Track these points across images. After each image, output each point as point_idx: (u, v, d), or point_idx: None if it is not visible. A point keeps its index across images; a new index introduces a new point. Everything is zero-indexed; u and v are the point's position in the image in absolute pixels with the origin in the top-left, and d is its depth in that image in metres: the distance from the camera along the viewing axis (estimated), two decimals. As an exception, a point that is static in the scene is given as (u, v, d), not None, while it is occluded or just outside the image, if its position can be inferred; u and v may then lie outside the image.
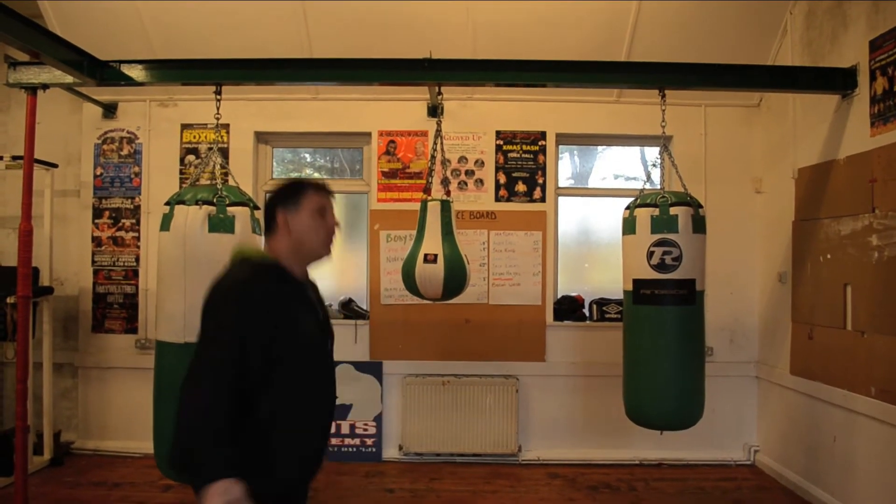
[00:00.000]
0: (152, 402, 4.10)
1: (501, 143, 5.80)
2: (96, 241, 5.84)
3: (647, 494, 5.02)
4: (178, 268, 3.86)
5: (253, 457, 2.01)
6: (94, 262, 5.84)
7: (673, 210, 4.15)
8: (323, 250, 2.20)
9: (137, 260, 5.81)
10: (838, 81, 4.49)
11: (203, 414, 1.92)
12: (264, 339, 1.99)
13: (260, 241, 4.12)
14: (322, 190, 2.25)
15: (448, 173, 5.40)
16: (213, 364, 1.96)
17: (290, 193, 2.20)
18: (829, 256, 4.69)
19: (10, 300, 4.85)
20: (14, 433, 4.50)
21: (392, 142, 5.80)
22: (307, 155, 6.35)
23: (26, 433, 4.55)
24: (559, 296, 5.90)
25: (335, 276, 6.06)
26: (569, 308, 5.83)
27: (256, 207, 4.05)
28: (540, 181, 5.78)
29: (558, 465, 5.60)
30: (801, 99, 5.05)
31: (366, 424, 5.71)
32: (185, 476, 2.01)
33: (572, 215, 6.05)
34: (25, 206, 4.47)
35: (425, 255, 4.40)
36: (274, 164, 6.10)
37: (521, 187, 5.77)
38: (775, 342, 5.39)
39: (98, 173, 5.84)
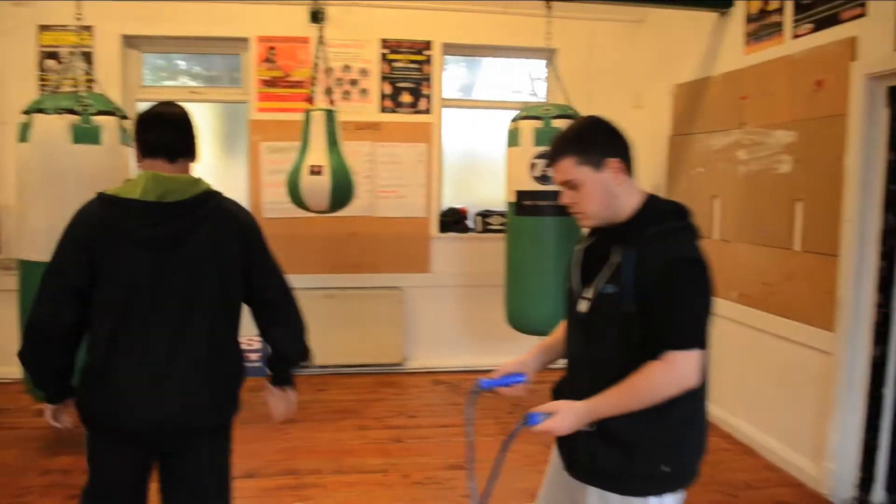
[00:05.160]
0: (18, 327, 3.90)
1: (387, 52, 5.67)
2: (-54, 152, 5.36)
3: (529, 396, 5.24)
4: (41, 181, 3.65)
5: None
6: (-56, 174, 5.37)
7: (556, 122, 4.23)
8: None
9: (-6, 172, 5.38)
10: (716, -1, 4.61)
11: None
12: None
13: (129, 154, 3.93)
14: None
15: (331, 83, 5.23)
16: None
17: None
18: (700, 170, 4.91)
19: None
20: None
21: (272, 48, 5.55)
22: (181, 62, 5.98)
23: None
24: (444, 208, 5.95)
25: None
26: (453, 220, 5.89)
27: (125, 117, 3.83)
28: (426, 92, 5.71)
29: (442, 372, 5.77)
30: (681, 15, 5.14)
31: (250, 340, 5.64)
32: None
33: (458, 127, 6.03)
34: None
35: (311, 167, 4.32)
36: (145, 71, 5.72)
37: (406, 98, 5.69)
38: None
39: (-57, 77, 5.30)
